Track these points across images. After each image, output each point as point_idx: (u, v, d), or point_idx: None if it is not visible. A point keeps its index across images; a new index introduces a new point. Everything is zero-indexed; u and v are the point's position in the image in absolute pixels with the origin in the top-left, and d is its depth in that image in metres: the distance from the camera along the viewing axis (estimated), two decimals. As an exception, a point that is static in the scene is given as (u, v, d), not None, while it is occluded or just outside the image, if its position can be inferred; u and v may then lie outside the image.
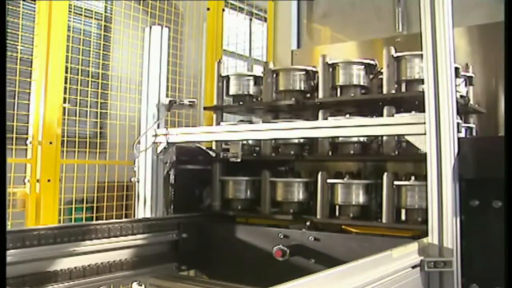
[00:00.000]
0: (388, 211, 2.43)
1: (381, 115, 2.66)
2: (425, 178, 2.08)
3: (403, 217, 2.44)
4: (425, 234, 2.01)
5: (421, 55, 2.09)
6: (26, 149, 3.18)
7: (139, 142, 2.86)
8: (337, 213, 2.62)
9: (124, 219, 2.77)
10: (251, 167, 2.94)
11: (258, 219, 2.84)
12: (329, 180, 2.62)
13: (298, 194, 2.77)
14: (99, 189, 3.75)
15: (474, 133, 2.93)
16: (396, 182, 2.43)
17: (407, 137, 2.14)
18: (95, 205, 3.69)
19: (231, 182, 2.96)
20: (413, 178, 2.43)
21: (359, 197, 2.58)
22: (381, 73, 2.71)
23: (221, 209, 2.96)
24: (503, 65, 1.89)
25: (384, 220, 2.43)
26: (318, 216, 2.61)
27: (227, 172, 2.98)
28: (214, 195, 2.99)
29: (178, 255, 2.71)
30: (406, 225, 2.40)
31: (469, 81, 2.92)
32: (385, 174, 2.47)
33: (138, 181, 2.83)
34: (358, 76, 2.76)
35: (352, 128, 2.32)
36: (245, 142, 3.03)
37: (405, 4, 3.59)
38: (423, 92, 2.04)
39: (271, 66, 3.02)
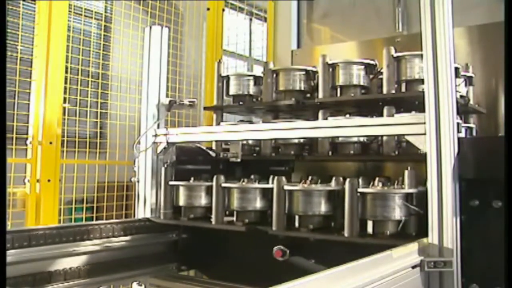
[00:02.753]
0: (350, 223, 2.16)
1: (381, 115, 2.66)
2: (400, 182, 2.13)
3: (370, 229, 2.21)
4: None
5: (421, 55, 2.09)
6: (26, 149, 3.18)
7: (139, 142, 2.86)
8: (296, 224, 2.37)
9: (124, 219, 2.78)
10: (251, 167, 2.94)
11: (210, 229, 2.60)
12: (286, 187, 2.35)
13: (255, 202, 2.49)
14: (99, 189, 3.75)
15: (474, 133, 2.93)
16: (360, 189, 2.18)
17: (407, 137, 2.14)
18: (95, 205, 3.69)
19: (182, 188, 2.69)
20: (380, 184, 2.23)
21: (320, 206, 2.30)
22: (381, 73, 2.71)
23: (172, 217, 2.72)
24: (503, 65, 1.89)
25: (346, 234, 2.17)
26: (274, 228, 2.35)
27: (227, 172, 2.96)
28: (165, 202, 2.74)
29: (178, 255, 2.70)
30: (371, 239, 2.15)
31: (469, 81, 2.92)
32: (348, 180, 2.21)
33: (138, 181, 2.83)
34: (358, 76, 2.76)
35: (352, 128, 2.32)
36: (245, 142, 3.03)
37: (405, 4, 3.58)
38: (423, 92, 2.04)
39: (271, 66, 3.02)
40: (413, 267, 1.85)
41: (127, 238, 2.51)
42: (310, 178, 2.42)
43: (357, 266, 1.58)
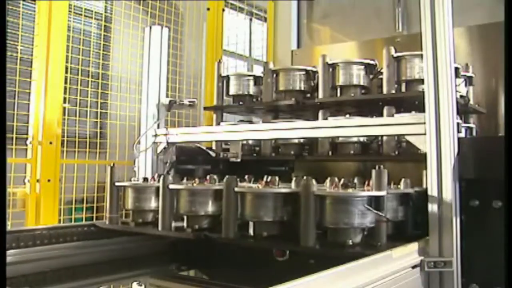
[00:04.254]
0: (305, 231, 1.92)
1: (381, 115, 2.66)
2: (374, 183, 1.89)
3: (331, 239, 1.97)
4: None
5: (421, 55, 2.09)
6: (26, 149, 3.18)
7: (139, 142, 2.86)
8: (251, 231, 2.14)
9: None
10: (251, 167, 2.93)
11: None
12: (237, 189, 2.10)
13: (207, 205, 2.24)
14: (99, 189, 3.75)
15: (474, 133, 2.93)
16: (317, 192, 1.94)
17: (407, 137, 2.14)
18: (95, 205, 3.69)
19: (129, 190, 2.46)
20: (340, 183, 1.98)
21: (275, 210, 2.04)
22: (381, 73, 2.72)
23: (119, 222, 2.53)
24: (503, 65, 1.88)
25: (301, 243, 1.93)
26: (223, 235, 2.11)
27: (227, 172, 2.96)
28: (111, 205, 2.52)
29: (178, 256, 2.69)
30: (329, 250, 1.92)
31: (469, 81, 2.92)
32: (303, 179, 1.97)
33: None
34: (358, 76, 2.76)
35: (352, 128, 2.32)
36: (245, 142, 3.03)
37: (405, 4, 3.59)
38: (423, 92, 2.04)
39: (271, 66, 3.03)
40: (413, 267, 1.85)
41: (128, 237, 2.48)
42: (268, 177, 2.14)
43: (357, 266, 1.58)
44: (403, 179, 2.16)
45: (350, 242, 1.91)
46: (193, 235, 2.24)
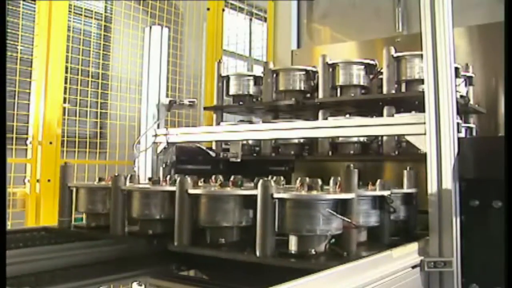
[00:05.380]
0: (262, 239, 1.71)
1: (381, 115, 2.66)
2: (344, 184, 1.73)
3: (292, 247, 1.77)
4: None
5: (421, 55, 2.09)
6: (26, 149, 3.18)
7: (139, 142, 2.86)
8: (208, 239, 1.99)
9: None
10: (251, 167, 2.93)
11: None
12: (190, 191, 1.92)
13: (162, 208, 2.07)
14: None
15: (474, 133, 2.93)
16: (276, 195, 1.73)
17: (407, 137, 2.14)
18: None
19: (82, 191, 2.30)
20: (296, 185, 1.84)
21: (232, 215, 1.87)
22: (381, 73, 2.72)
23: (70, 226, 2.37)
24: (503, 65, 1.88)
25: (257, 253, 1.73)
26: (176, 243, 1.94)
27: (227, 172, 2.96)
28: (62, 207, 2.37)
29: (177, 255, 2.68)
30: (287, 262, 1.71)
31: (469, 81, 2.93)
32: (261, 181, 1.76)
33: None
34: (358, 76, 2.77)
35: (352, 128, 2.32)
36: (245, 142, 3.03)
37: (405, 4, 3.59)
38: (423, 92, 2.04)
39: (271, 66, 3.03)
40: (413, 267, 1.85)
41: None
42: (233, 177, 1.99)
43: (357, 266, 1.58)
44: (379, 180, 2.04)
45: (313, 252, 1.73)
46: (145, 241, 2.04)
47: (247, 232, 1.91)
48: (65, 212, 2.38)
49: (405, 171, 2.23)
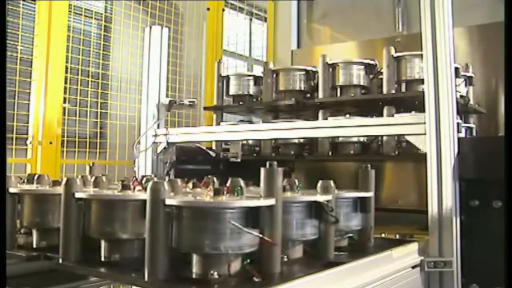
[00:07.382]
0: (151, 259, 1.34)
1: (381, 115, 2.66)
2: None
3: (194, 269, 1.37)
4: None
5: (421, 55, 2.09)
6: (26, 149, 3.18)
7: (139, 142, 2.86)
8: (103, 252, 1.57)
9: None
10: (251, 167, 2.92)
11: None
12: (78, 194, 1.54)
13: (55, 216, 1.69)
14: (99, 189, 3.74)
15: (474, 133, 2.93)
16: (169, 201, 1.34)
17: (407, 137, 2.14)
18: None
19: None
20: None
21: (130, 225, 1.49)
22: (381, 73, 2.72)
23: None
24: (503, 65, 1.88)
25: (146, 277, 1.34)
26: (61, 257, 1.57)
27: (227, 172, 2.94)
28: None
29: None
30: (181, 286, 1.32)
31: (469, 81, 2.93)
32: (150, 182, 1.39)
33: (138, 181, 2.81)
34: (358, 76, 2.76)
35: (352, 128, 2.32)
36: (245, 142, 3.03)
37: (405, 4, 3.59)
38: (423, 92, 2.04)
39: (271, 66, 3.03)
40: (413, 267, 1.86)
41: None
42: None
43: (357, 266, 1.58)
44: (320, 181, 1.66)
45: (216, 275, 1.32)
46: (30, 257, 1.63)
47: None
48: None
49: (360, 169, 1.88)
